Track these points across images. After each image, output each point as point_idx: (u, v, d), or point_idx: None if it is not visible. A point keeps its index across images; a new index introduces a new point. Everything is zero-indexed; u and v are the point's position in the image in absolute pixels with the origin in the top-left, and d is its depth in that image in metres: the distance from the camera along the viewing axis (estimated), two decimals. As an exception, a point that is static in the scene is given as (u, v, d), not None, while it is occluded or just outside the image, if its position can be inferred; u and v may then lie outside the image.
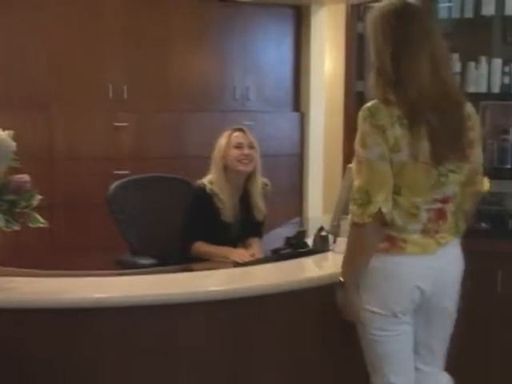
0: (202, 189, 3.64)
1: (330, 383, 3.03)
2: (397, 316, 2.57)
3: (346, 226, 3.20)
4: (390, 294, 2.56)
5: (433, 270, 2.59)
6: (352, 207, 2.51)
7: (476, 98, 3.88)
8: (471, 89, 3.83)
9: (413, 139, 2.44)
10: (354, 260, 2.58)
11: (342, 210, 3.37)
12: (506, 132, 3.82)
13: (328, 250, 3.25)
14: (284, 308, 2.84)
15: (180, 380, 2.69)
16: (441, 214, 2.60)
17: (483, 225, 3.83)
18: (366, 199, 2.46)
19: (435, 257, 2.59)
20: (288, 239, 3.39)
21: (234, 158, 3.65)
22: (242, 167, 3.66)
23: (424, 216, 2.55)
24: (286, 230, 3.94)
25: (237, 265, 3.30)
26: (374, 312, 2.58)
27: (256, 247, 3.65)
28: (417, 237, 2.56)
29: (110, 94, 6.08)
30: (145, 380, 2.65)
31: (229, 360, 2.74)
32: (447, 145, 2.49)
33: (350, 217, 2.54)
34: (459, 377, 3.20)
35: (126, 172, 5.54)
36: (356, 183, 2.50)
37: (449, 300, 2.70)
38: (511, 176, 3.89)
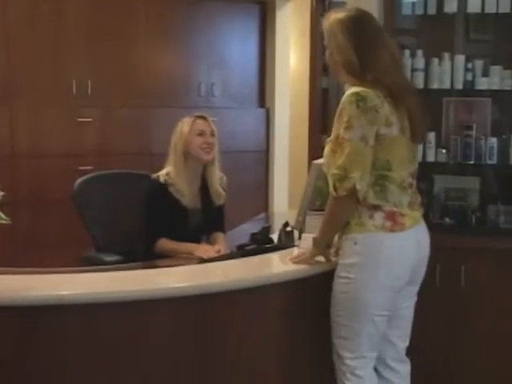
0: (156, 180, 3.63)
1: (297, 378, 3.03)
2: (400, 291, 2.83)
3: (311, 221, 3.23)
4: (401, 267, 2.80)
5: (419, 241, 2.87)
6: (330, 181, 2.75)
7: (439, 94, 3.92)
8: (435, 85, 3.85)
9: (400, 116, 2.75)
10: (329, 227, 2.88)
11: (308, 206, 3.38)
12: (470, 128, 3.85)
13: (293, 246, 3.26)
14: (250, 303, 2.83)
15: (146, 378, 2.68)
16: (414, 187, 2.89)
17: (447, 220, 3.87)
18: (343, 175, 2.69)
19: (420, 228, 2.89)
20: (253, 235, 3.39)
21: (197, 146, 3.63)
22: (204, 156, 3.64)
23: (409, 189, 2.83)
24: (252, 226, 3.94)
25: (202, 261, 3.29)
26: (388, 287, 2.79)
27: (221, 243, 3.65)
28: (408, 210, 2.82)
29: (74, 90, 6.03)
30: (110, 378, 2.63)
31: (195, 357, 2.73)
32: (420, 124, 2.82)
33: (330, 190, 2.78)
34: (422, 374, 3.23)
35: (90, 168, 5.50)
36: (338, 161, 2.72)
37: (424, 271, 2.97)
38: (474, 172, 3.93)
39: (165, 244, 3.55)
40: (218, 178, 3.75)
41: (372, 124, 2.68)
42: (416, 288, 2.97)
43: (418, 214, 2.89)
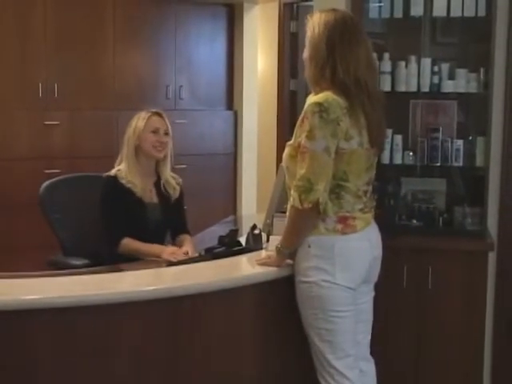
0: (108, 176, 3.62)
1: (268, 379, 3.03)
2: (356, 289, 2.85)
3: (279, 223, 3.23)
4: (356, 267, 2.84)
5: (371, 242, 2.90)
6: (294, 193, 2.75)
7: (406, 96, 3.95)
8: (402, 88, 3.88)
9: (359, 128, 2.74)
10: (291, 238, 2.88)
11: (276, 208, 3.38)
12: (436, 130, 3.88)
13: (261, 249, 3.26)
14: (220, 306, 2.83)
15: (116, 381, 2.66)
16: (369, 193, 2.93)
17: (414, 222, 3.89)
18: (308, 187, 2.70)
19: (372, 229, 2.92)
20: (221, 238, 3.38)
21: (149, 143, 3.62)
22: (155, 153, 3.64)
23: (363, 197, 2.86)
24: (220, 229, 3.93)
25: (170, 264, 3.27)
26: (346, 288, 2.80)
27: (188, 245, 3.63)
28: (360, 213, 2.85)
29: (40, 93, 5.99)
30: (82, 381, 2.61)
31: (168, 358, 2.72)
32: (377, 130, 2.83)
33: (290, 200, 2.79)
34: (390, 374, 3.25)
35: (58, 171, 5.46)
36: (300, 171, 2.72)
37: (378, 269, 3.01)
38: (441, 174, 3.96)
39: (129, 244, 3.52)
40: (169, 172, 3.74)
41: (334, 137, 2.70)
42: (371, 285, 3.02)
43: (369, 215, 2.93)
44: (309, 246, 2.81)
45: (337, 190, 2.79)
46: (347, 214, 2.81)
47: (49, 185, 3.99)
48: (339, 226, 2.80)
